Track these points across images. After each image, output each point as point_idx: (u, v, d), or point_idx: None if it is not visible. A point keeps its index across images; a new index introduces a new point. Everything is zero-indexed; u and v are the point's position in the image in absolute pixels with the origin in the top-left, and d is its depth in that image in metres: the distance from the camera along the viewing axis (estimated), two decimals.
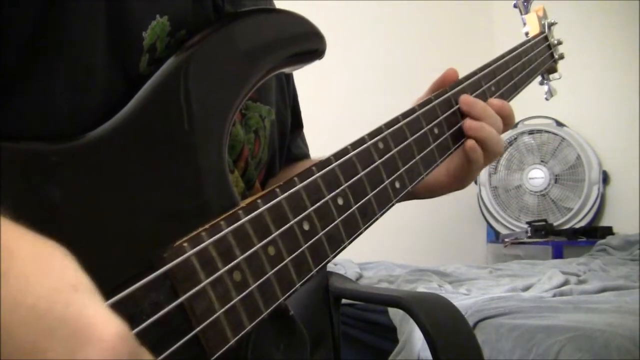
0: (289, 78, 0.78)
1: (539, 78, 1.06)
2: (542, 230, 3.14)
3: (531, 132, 3.34)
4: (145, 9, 0.50)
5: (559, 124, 3.34)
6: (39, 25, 0.44)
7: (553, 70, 1.05)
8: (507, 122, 0.76)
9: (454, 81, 0.75)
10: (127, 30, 0.49)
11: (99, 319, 0.28)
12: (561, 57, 1.03)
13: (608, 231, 3.11)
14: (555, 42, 1.02)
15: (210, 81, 0.51)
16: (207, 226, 0.45)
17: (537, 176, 3.31)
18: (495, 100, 0.76)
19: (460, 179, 0.76)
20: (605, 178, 3.26)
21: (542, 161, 3.33)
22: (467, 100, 0.73)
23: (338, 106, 3.12)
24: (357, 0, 3.24)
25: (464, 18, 3.73)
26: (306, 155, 0.83)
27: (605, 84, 3.19)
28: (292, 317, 0.60)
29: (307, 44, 0.59)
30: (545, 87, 1.07)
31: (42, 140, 0.41)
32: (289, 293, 0.49)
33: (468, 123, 0.72)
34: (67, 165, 0.41)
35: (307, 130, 0.86)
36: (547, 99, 1.08)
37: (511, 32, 3.80)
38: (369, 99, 3.25)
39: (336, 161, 0.55)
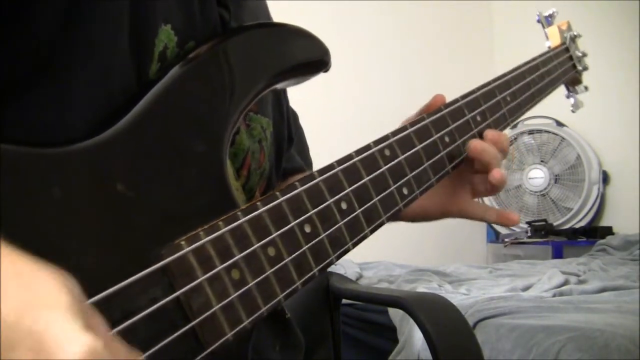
0: (284, 92, 0.78)
1: (565, 91, 1.05)
2: (542, 230, 3.15)
3: (531, 132, 3.34)
4: (154, 16, 0.51)
5: (559, 123, 3.34)
6: (61, 23, 0.45)
7: (577, 82, 1.03)
8: (503, 153, 0.73)
9: (437, 107, 0.71)
10: (143, 35, 0.50)
11: (66, 336, 0.28)
12: (585, 68, 1.01)
13: (608, 231, 3.11)
14: (580, 54, 1.00)
15: (211, 89, 0.52)
16: (205, 226, 0.45)
17: (537, 176, 3.31)
18: (491, 132, 0.73)
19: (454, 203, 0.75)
20: (605, 178, 3.26)
21: (542, 161, 3.33)
22: (476, 146, 0.69)
23: (339, 108, 3.12)
24: (359, 0, 3.24)
25: (464, 19, 3.73)
26: (299, 169, 0.81)
27: (605, 84, 3.19)
28: (288, 319, 0.61)
29: (310, 55, 0.60)
30: (571, 100, 1.06)
31: (47, 143, 0.42)
32: (288, 291, 0.49)
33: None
34: (70, 168, 0.42)
35: (312, 136, 0.86)
36: (573, 111, 1.07)
37: (511, 33, 3.77)
38: (372, 102, 3.26)
39: (339, 166, 0.55)
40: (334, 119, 3.01)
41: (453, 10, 3.63)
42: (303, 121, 0.84)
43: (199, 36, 0.55)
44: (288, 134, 0.79)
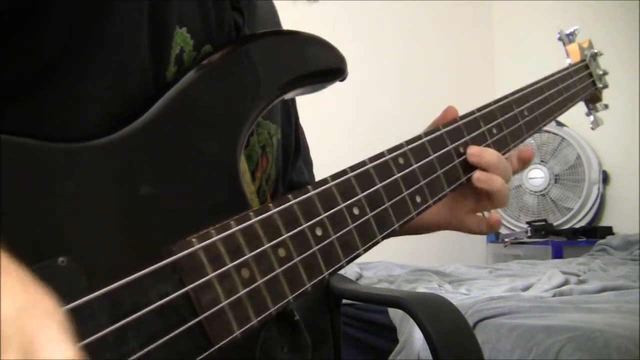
0: (293, 101, 0.79)
1: (586, 109, 1.04)
2: (542, 230, 3.15)
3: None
4: (170, 18, 0.52)
5: (559, 123, 3.34)
6: (77, 22, 0.46)
7: (597, 99, 1.03)
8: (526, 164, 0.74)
9: (452, 119, 0.70)
10: (161, 37, 0.51)
11: (56, 342, 0.29)
12: (605, 86, 1.01)
13: (608, 231, 3.11)
14: (601, 72, 1.00)
15: (227, 92, 0.53)
16: (217, 225, 0.46)
17: (537, 176, 3.32)
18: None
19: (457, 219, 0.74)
20: (605, 178, 3.26)
21: (542, 161, 3.33)
22: (474, 151, 0.68)
23: (339, 109, 3.12)
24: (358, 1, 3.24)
25: (464, 20, 3.73)
26: (306, 183, 0.81)
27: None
28: (297, 321, 0.61)
29: (327, 63, 0.60)
30: (591, 118, 1.06)
31: (60, 138, 0.43)
32: (298, 292, 0.49)
33: (477, 175, 0.68)
34: (83, 162, 0.43)
35: (312, 138, 0.86)
36: (592, 128, 1.07)
37: (512, 34, 3.74)
38: (371, 102, 3.26)
39: (352, 172, 0.56)
40: (333, 119, 3.01)
41: (453, 11, 3.63)
42: (302, 123, 0.85)
43: (215, 39, 0.56)
44: (295, 143, 0.79)
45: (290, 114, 0.77)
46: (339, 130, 3.00)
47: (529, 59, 3.34)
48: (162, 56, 0.51)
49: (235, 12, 0.61)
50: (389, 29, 3.42)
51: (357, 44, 3.22)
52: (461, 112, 0.72)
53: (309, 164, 0.86)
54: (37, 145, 0.41)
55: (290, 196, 0.51)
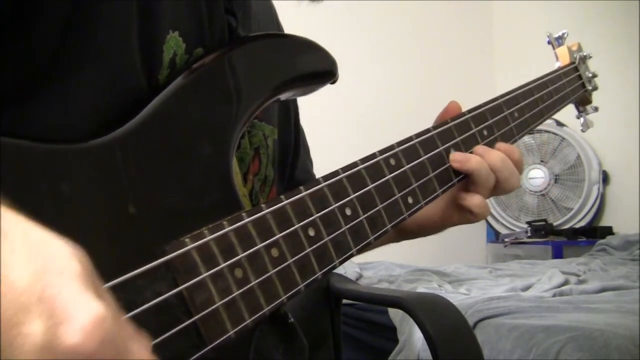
0: (293, 101, 0.79)
1: (576, 112, 1.05)
2: (542, 230, 3.15)
3: (531, 132, 3.33)
4: (162, 22, 0.52)
5: (559, 123, 3.34)
6: (66, 27, 0.46)
7: (587, 101, 1.03)
8: (516, 166, 0.71)
9: (455, 114, 0.71)
10: (152, 40, 0.51)
11: (78, 302, 0.29)
12: (595, 88, 1.01)
13: (608, 231, 3.11)
14: (590, 74, 1.00)
15: (218, 94, 0.53)
16: (210, 226, 0.46)
17: (537, 176, 3.32)
18: (502, 145, 0.72)
19: (452, 216, 0.73)
20: (605, 178, 3.26)
21: (542, 161, 3.33)
22: (457, 157, 0.67)
23: (338, 108, 3.12)
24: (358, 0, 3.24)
25: (464, 20, 3.73)
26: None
27: (605, 84, 3.18)
28: (292, 324, 0.61)
29: (317, 66, 0.61)
30: (581, 120, 1.06)
31: (53, 140, 0.43)
32: (291, 292, 0.50)
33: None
34: (76, 163, 0.43)
35: (310, 137, 0.86)
36: (583, 130, 1.07)
37: (511, 33, 3.75)
38: (369, 103, 3.26)
39: (344, 173, 0.56)
40: (332, 119, 3.01)
41: (453, 11, 3.63)
42: (303, 122, 0.85)
43: (207, 42, 0.56)
44: (295, 142, 0.79)
45: (289, 114, 0.77)
46: (336, 131, 3.00)
47: (529, 59, 3.34)
48: (154, 60, 0.51)
49: (229, 15, 0.61)
50: (389, 28, 3.42)
51: (357, 43, 3.22)
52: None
53: (306, 150, 0.86)
54: (32, 147, 0.41)
55: (282, 197, 0.51)
